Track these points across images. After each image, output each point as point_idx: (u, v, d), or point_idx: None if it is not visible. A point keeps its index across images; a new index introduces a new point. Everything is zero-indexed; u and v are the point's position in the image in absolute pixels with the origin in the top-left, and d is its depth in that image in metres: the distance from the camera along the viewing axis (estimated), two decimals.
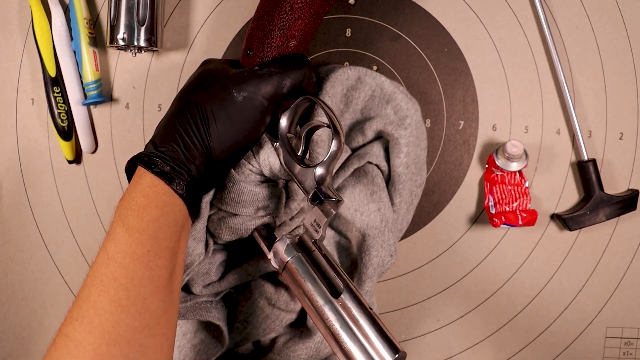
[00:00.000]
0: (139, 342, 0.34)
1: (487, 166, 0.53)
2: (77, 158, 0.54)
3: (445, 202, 0.54)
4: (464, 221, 0.54)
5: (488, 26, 0.52)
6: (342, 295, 0.38)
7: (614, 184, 0.54)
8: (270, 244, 0.43)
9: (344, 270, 0.48)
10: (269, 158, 0.43)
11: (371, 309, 0.38)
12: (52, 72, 0.51)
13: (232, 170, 0.43)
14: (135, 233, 0.36)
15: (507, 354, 0.56)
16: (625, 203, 0.52)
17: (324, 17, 0.46)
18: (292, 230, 0.47)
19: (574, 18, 0.52)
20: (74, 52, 0.51)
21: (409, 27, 0.52)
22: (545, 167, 0.54)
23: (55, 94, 0.51)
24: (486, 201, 0.53)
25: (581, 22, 0.52)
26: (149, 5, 0.48)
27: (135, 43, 0.48)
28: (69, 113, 0.52)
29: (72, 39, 0.51)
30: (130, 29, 0.48)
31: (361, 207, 0.47)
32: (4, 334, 0.56)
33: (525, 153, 0.51)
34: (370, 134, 0.48)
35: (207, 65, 0.44)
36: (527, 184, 0.53)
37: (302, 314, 0.49)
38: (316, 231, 0.41)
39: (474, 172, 0.54)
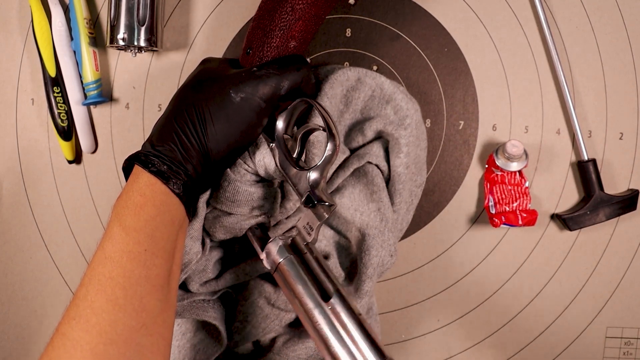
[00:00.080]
0: (136, 341, 0.34)
1: (487, 166, 0.53)
2: (77, 158, 0.54)
3: (445, 202, 0.54)
4: (464, 221, 0.54)
5: (488, 26, 0.52)
6: (332, 300, 0.39)
7: (614, 184, 0.54)
8: (264, 244, 0.43)
9: (343, 270, 0.48)
10: (265, 159, 0.43)
11: (360, 314, 0.39)
12: (52, 72, 0.51)
13: (228, 169, 0.43)
14: (132, 232, 0.36)
15: (507, 354, 0.56)
16: (625, 203, 0.52)
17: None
18: (288, 231, 0.47)
19: (574, 18, 0.52)
20: (74, 52, 0.51)
21: (409, 27, 0.52)
22: (545, 167, 0.54)
23: (55, 94, 0.51)
24: (486, 201, 0.53)
25: (581, 22, 0.52)
26: (149, 5, 0.48)
27: (135, 43, 0.48)
28: (69, 113, 0.52)
29: (72, 39, 0.51)
30: (130, 29, 0.48)
31: (361, 207, 0.47)
32: (4, 334, 0.56)
33: (525, 153, 0.51)
34: (370, 134, 0.48)
35: (206, 65, 0.44)
36: (527, 184, 0.53)
37: None
38: (309, 234, 0.41)
39: (474, 172, 0.54)
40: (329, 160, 0.41)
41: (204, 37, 0.53)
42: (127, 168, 0.40)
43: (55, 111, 0.52)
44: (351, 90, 0.47)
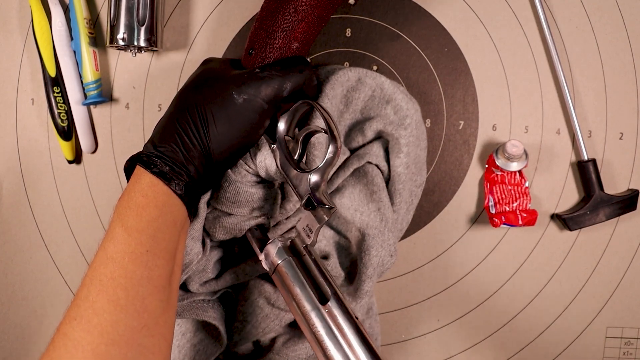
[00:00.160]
0: (138, 342, 0.34)
1: (487, 166, 0.53)
2: (77, 158, 0.54)
3: (445, 202, 0.54)
4: (464, 221, 0.54)
5: (488, 26, 0.52)
6: (329, 303, 0.39)
7: (614, 184, 0.54)
8: (263, 245, 0.43)
9: (343, 270, 0.48)
10: (266, 160, 0.43)
11: (357, 317, 0.39)
12: (52, 72, 0.51)
13: (229, 170, 0.43)
14: (134, 233, 0.36)
15: (507, 354, 0.56)
16: (625, 203, 0.52)
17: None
18: (287, 232, 0.47)
19: (574, 18, 0.52)
20: (74, 52, 0.51)
21: (409, 27, 0.52)
22: (545, 167, 0.54)
23: (55, 94, 0.51)
24: (486, 201, 0.53)
25: (581, 22, 0.52)
26: (149, 5, 0.48)
27: (135, 43, 0.48)
28: (69, 113, 0.52)
29: (72, 39, 0.51)
30: (130, 29, 0.48)
31: (361, 207, 0.47)
32: (4, 334, 0.56)
33: (525, 153, 0.51)
34: (370, 134, 0.48)
35: (208, 65, 0.44)
36: (527, 184, 0.53)
37: None
38: (308, 236, 0.41)
39: (474, 172, 0.54)
40: (330, 163, 0.41)
41: (204, 37, 0.53)
42: (129, 168, 0.40)
43: (55, 111, 0.52)
44: (351, 90, 0.47)
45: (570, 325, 0.55)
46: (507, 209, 0.52)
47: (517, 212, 0.52)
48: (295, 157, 0.43)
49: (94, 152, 0.54)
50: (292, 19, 0.42)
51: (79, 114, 0.52)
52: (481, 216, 0.54)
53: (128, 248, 0.35)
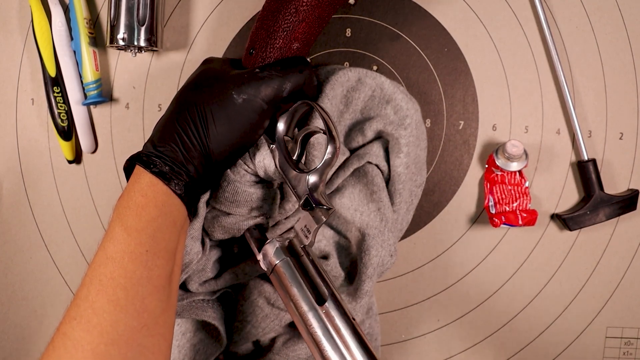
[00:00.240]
0: (138, 342, 0.34)
1: (487, 166, 0.53)
2: (77, 158, 0.54)
3: (445, 202, 0.54)
4: (464, 221, 0.54)
5: (488, 26, 0.52)
6: (326, 303, 0.39)
7: (614, 184, 0.54)
8: (261, 245, 0.43)
9: (343, 270, 0.48)
10: (265, 160, 0.43)
11: (354, 319, 0.39)
12: (52, 72, 0.51)
13: (228, 170, 0.43)
14: (133, 232, 0.36)
15: (507, 354, 0.56)
16: (625, 203, 0.52)
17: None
18: (285, 232, 0.47)
19: (574, 18, 0.52)
20: (74, 52, 0.51)
21: (409, 27, 0.52)
22: (545, 167, 0.54)
23: (55, 94, 0.51)
24: (486, 201, 0.53)
25: (581, 22, 0.52)
26: (149, 5, 0.48)
27: (135, 43, 0.48)
28: (69, 113, 0.52)
29: (72, 39, 0.51)
30: (130, 29, 0.48)
31: (361, 207, 0.47)
32: (4, 334, 0.56)
33: (525, 153, 0.51)
34: (370, 134, 0.48)
35: (208, 65, 0.44)
36: (527, 184, 0.53)
37: None
38: (306, 237, 0.41)
39: (474, 172, 0.54)
40: (328, 164, 0.41)
41: (204, 37, 0.53)
42: (129, 168, 0.40)
43: (55, 111, 0.52)
44: (351, 90, 0.47)
45: (570, 325, 0.55)
46: (507, 209, 0.52)
47: (517, 212, 0.52)
48: (294, 158, 0.43)
49: (94, 152, 0.54)
50: (292, 19, 0.42)
51: (79, 114, 0.52)
52: (481, 216, 0.54)
53: (128, 248, 0.35)
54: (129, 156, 0.40)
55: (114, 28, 0.48)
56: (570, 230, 0.53)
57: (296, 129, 0.45)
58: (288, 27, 0.42)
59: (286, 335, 0.49)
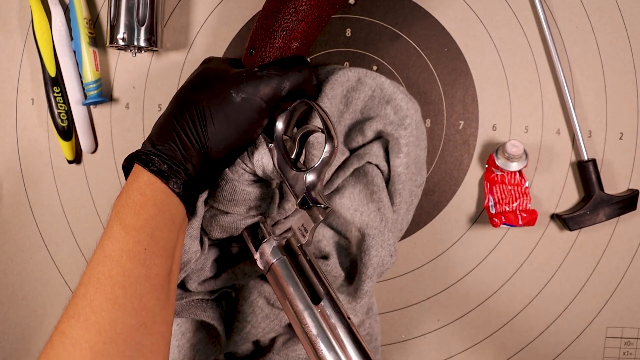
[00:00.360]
0: (136, 340, 0.34)
1: (487, 166, 0.53)
2: (77, 158, 0.54)
3: (445, 202, 0.54)
4: (464, 221, 0.54)
5: (488, 26, 0.52)
6: (321, 302, 0.39)
7: (614, 184, 0.54)
8: (258, 244, 0.43)
9: (343, 270, 0.48)
10: (263, 159, 0.43)
11: (349, 318, 0.39)
12: (52, 72, 0.51)
13: (227, 169, 0.43)
14: (132, 231, 0.36)
15: (507, 354, 0.56)
16: (625, 203, 0.52)
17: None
18: (285, 231, 0.47)
19: (574, 18, 0.52)
20: (74, 52, 0.51)
21: (409, 27, 0.52)
22: (545, 167, 0.54)
23: (55, 94, 0.51)
24: (486, 201, 0.53)
25: (581, 22, 0.52)
26: (149, 5, 0.48)
27: (135, 43, 0.48)
28: (69, 113, 0.52)
29: (72, 39, 0.51)
30: (130, 29, 0.48)
31: (361, 207, 0.47)
32: (4, 334, 0.56)
33: (525, 153, 0.51)
34: (370, 134, 0.48)
35: (208, 64, 0.44)
36: (527, 184, 0.53)
37: None
38: (303, 236, 0.42)
39: (474, 172, 0.54)
40: (326, 163, 0.40)
41: (204, 37, 0.53)
42: (127, 167, 0.40)
43: (55, 111, 0.52)
44: (351, 90, 0.47)
45: (570, 325, 0.55)
46: (507, 209, 0.52)
47: (517, 212, 0.52)
48: (293, 157, 0.43)
49: (94, 152, 0.54)
50: (292, 19, 0.42)
51: (79, 114, 0.52)
52: (481, 216, 0.54)
53: (126, 246, 0.35)
54: (128, 154, 0.40)
55: (114, 28, 0.48)
56: (570, 230, 0.53)
57: (295, 128, 0.45)
58: (287, 27, 0.42)
59: (286, 335, 0.49)
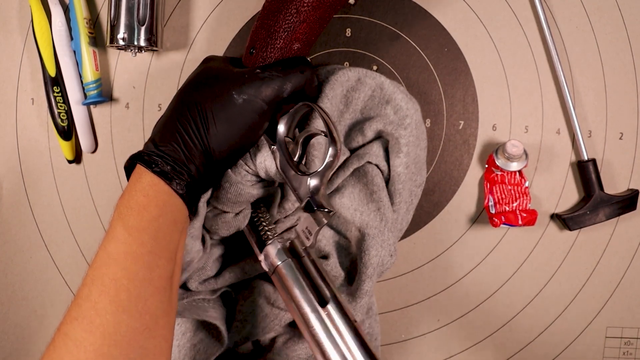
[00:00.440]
0: (139, 344, 0.34)
1: (487, 166, 0.53)
2: (77, 158, 0.54)
3: (445, 202, 0.54)
4: (464, 221, 0.54)
5: (488, 26, 0.52)
6: (328, 305, 0.39)
7: (614, 184, 0.54)
8: (262, 244, 0.43)
9: (343, 270, 0.48)
10: (266, 161, 0.43)
11: (355, 321, 0.39)
12: (52, 72, 0.51)
13: (229, 170, 0.43)
14: (135, 232, 0.36)
15: (507, 354, 0.56)
16: (625, 203, 0.52)
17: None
18: (286, 231, 0.47)
19: (574, 18, 0.52)
20: (74, 52, 0.51)
21: (409, 27, 0.52)
22: (545, 167, 0.54)
23: (55, 94, 0.51)
24: (486, 201, 0.53)
25: (581, 22, 0.52)
26: (149, 5, 0.48)
27: (135, 43, 0.48)
28: (69, 113, 0.52)
29: (72, 38, 0.51)
30: (130, 29, 0.48)
31: (361, 206, 0.47)
32: (4, 334, 0.56)
33: (525, 153, 0.51)
34: (370, 134, 0.48)
35: (209, 64, 0.44)
36: (527, 184, 0.53)
37: None
38: (307, 238, 0.42)
39: (474, 172, 0.54)
40: (329, 166, 0.40)
41: (204, 37, 0.53)
42: (129, 167, 0.40)
43: (55, 111, 0.52)
44: (351, 90, 0.47)
45: (570, 325, 0.55)
46: (507, 209, 0.52)
47: (517, 212, 0.52)
48: (295, 159, 0.43)
49: (94, 152, 0.54)
50: (293, 20, 0.42)
51: (79, 113, 0.52)
52: (481, 216, 0.54)
53: (130, 248, 0.35)
54: (130, 155, 0.40)
55: (114, 28, 0.48)
56: (570, 230, 0.53)
57: (297, 130, 0.45)
58: (289, 28, 0.42)
59: (286, 335, 0.49)
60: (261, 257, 0.43)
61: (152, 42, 0.49)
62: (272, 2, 0.43)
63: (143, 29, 0.48)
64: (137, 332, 0.34)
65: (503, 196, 0.52)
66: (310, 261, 0.41)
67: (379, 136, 0.49)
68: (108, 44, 0.49)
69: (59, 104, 0.51)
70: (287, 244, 0.42)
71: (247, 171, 0.44)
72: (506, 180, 0.52)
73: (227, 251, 0.49)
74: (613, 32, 0.52)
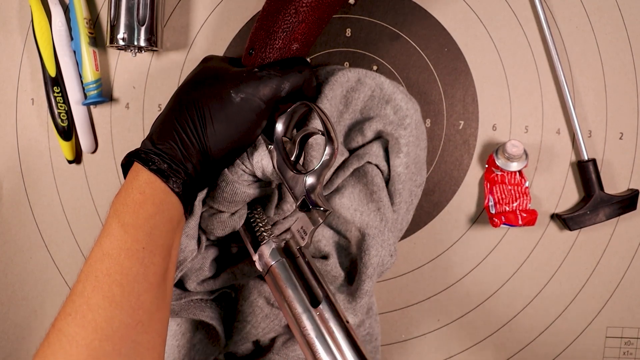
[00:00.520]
0: (132, 338, 0.34)
1: (487, 166, 0.53)
2: (77, 158, 0.54)
3: (445, 202, 0.54)
4: (464, 221, 0.54)
5: (488, 26, 0.52)
6: (320, 306, 0.39)
7: (614, 184, 0.54)
8: (257, 245, 0.43)
9: (343, 270, 0.48)
10: (262, 161, 0.43)
11: (348, 322, 0.39)
12: (52, 72, 0.51)
13: (226, 169, 0.43)
14: (130, 229, 0.36)
15: (507, 354, 0.56)
16: (625, 203, 0.52)
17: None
18: (284, 232, 0.47)
19: (574, 18, 0.52)
20: (74, 52, 0.51)
21: (409, 27, 0.52)
22: (545, 167, 0.54)
23: (55, 94, 0.51)
24: (486, 201, 0.53)
25: (581, 22, 0.52)
26: (149, 5, 0.48)
27: (135, 43, 0.48)
28: (69, 113, 0.52)
29: (72, 39, 0.51)
30: (130, 29, 0.48)
31: (361, 206, 0.47)
32: (4, 334, 0.56)
33: (525, 153, 0.51)
34: (369, 134, 0.48)
35: (208, 63, 0.44)
36: (527, 184, 0.53)
37: None
38: (302, 238, 0.42)
39: (474, 172, 0.54)
40: (326, 165, 0.40)
41: (204, 37, 0.53)
42: (126, 165, 0.40)
43: (55, 111, 0.52)
44: (351, 90, 0.47)
45: (570, 325, 0.55)
46: (507, 209, 0.52)
47: (517, 212, 0.52)
48: (292, 159, 0.43)
49: (94, 152, 0.54)
50: (292, 20, 0.42)
51: (79, 114, 0.52)
52: (481, 216, 0.54)
53: (124, 244, 0.35)
54: (127, 153, 0.40)
55: (114, 28, 0.48)
56: (570, 230, 0.53)
57: (295, 130, 0.45)
58: (288, 28, 0.42)
59: (286, 335, 0.49)
60: (255, 257, 0.43)
61: (152, 42, 0.49)
62: (272, 2, 0.43)
63: (143, 29, 0.48)
64: (130, 327, 0.34)
65: (503, 196, 0.52)
66: (305, 262, 0.41)
67: (378, 136, 0.49)
68: (108, 44, 0.49)
69: (59, 104, 0.51)
70: (282, 244, 0.42)
71: (244, 170, 0.44)
72: (506, 180, 0.52)
73: (226, 253, 0.49)
74: (613, 32, 0.52)
